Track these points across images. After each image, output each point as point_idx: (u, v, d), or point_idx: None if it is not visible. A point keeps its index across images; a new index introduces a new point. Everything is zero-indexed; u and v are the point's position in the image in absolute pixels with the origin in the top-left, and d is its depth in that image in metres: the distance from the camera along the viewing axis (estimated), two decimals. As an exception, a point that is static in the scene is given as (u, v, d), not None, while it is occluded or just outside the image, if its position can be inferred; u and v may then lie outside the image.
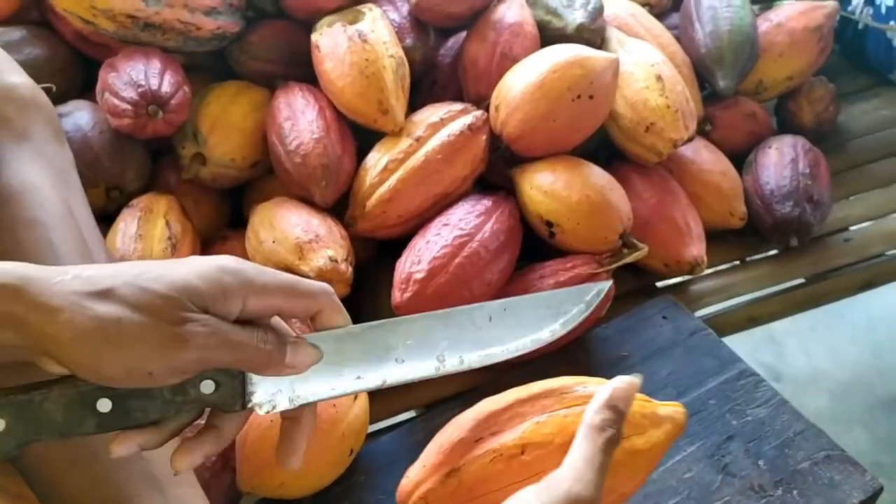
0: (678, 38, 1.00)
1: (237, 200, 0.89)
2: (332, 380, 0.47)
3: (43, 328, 0.39)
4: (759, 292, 0.91)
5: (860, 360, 1.57)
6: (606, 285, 0.57)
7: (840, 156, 1.08)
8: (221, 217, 0.86)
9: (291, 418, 0.48)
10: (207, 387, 0.44)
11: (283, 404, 0.46)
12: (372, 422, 0.72)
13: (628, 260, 0.77)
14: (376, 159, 0.77)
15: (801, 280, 0.92)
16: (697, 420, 0.73)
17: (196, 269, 0.43)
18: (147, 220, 0.75)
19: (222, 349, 0.42)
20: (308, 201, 0.77)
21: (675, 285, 0.90)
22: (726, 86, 0.95)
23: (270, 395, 0.46)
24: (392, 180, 0.76)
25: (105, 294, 0.40)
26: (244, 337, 0.43)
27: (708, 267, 0.90)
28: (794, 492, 0.67)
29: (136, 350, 0.40)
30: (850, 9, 1.18)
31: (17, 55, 0.78)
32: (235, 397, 0.45)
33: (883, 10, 1.13)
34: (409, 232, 0.77)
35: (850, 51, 1.24)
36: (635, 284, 0.89)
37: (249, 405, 0.45)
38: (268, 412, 0.46)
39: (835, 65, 1.25)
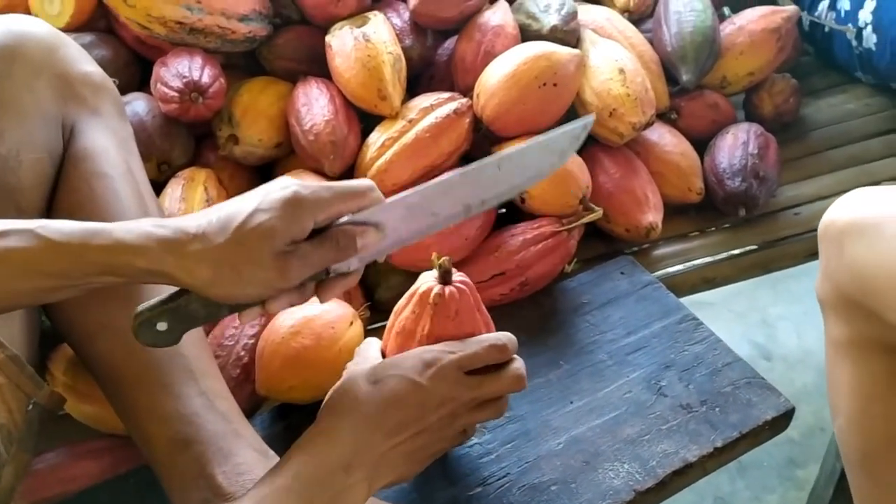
0: (650, 40, 1.15)
1: (265, 176, 1.05)
2: (386, 242, 0.62)
3: (187, 280, 0.56)
4: (714, 257, 1.04)
5: (848, 343, 1.66)
6: (591, 118, 0.68)
7: (801, 143, 1.21)
8: (251, 189, 1.03)
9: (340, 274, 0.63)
10: None
11: (354, 265, 0.62)
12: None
13: (585, 220, 0.91)
14: (376, 137, 0.94)
15: (754, 247, 1.05)
16: (641, 353, 0.86)
17: (273, 211, 0.56)
18: (190, 187, 0.92)
19: (312, 267, 0.59)
20: (320, 172, 0.94)
21: (638, 251, 1.03)
22: (689, 79, 1.09)
23: (346, 264, 0.61)
24: (388, 154, 0.92)
25: (223, 253, 0.56)
26: (324, 251, 0.59)
27: (669, 236, 1.05)
28: (717, 409, 0.80)
29: (254, 287, 0.57)
30: (817, 13, 1.31)
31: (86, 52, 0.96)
32: (320, 272, 0.60)
33: (842, 13, 1.26)
34: (403, 198, 0.93)
35: (820, 51, 1.36)
36: (603, 250, 1.02)
37: (332, 275, 0.61)
38: (343, 273, 0.62)
39: (808, 64, 1.38)
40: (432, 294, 0.67)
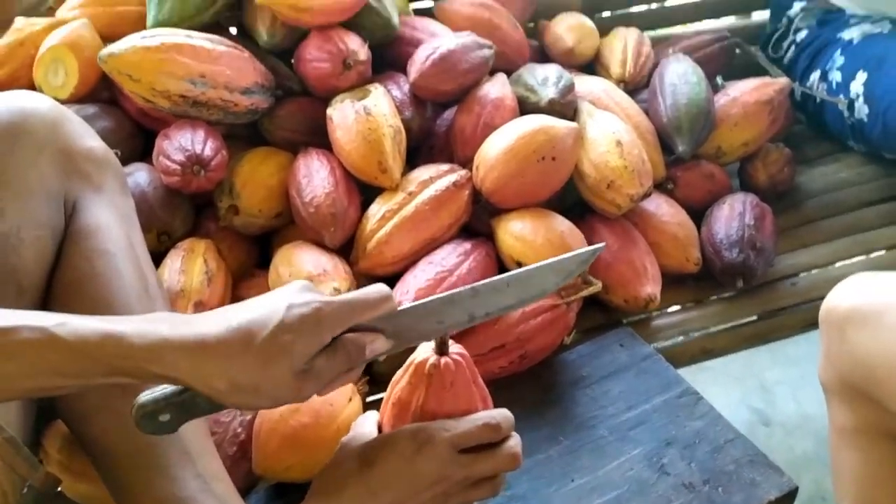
0: (646, 110, 1.16)
1: (265, 246, 1.05)
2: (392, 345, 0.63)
3: (202, 389, 0.57)
4: (713, 328, 1.04)
5: (847, 407, 1.65)
6: (601, 246, 0.71)
7: (796, 212, 1.22)
8: (251, 259, 1.03)
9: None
10: None
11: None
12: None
13: (584, 294, 0.91)
14: (376, 210, 0.94)
15: (752, 318, 1.06)
16: (643, 429, 0.86)
17: (297, 331, 0.56)
18: (189, 259, 0.92)
19: (325, 382, 0.59)
20: (320, 244, 0.94)
21: (637, 321, 1.03)
22: (684, 150, 1.11)
23: None
24: (388, 227, 0.92)
25: (243, 369, 0.56)
26: (337, 363, 0.59)
27: (668, 307, 1.05)
28: (720, 489, 0.79)
29: (268, 401, 0.59)
30: (808, 84, 1.34)
31: (91, 126, 0.97)
32: None
33: (834, 85, 1.28)
34: (403, 270, 0.93)
35: (813, 121, 1.39)
36: (602, 320, 1.02)
37: None
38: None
39: (801, 133, 1.41)
40: (428, 365, 0.68)
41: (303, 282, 0.62)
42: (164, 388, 0.59)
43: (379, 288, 0.62)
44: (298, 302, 0.58)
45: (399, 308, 0.63)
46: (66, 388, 0.57)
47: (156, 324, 0.57)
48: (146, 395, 0.59)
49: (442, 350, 0.68)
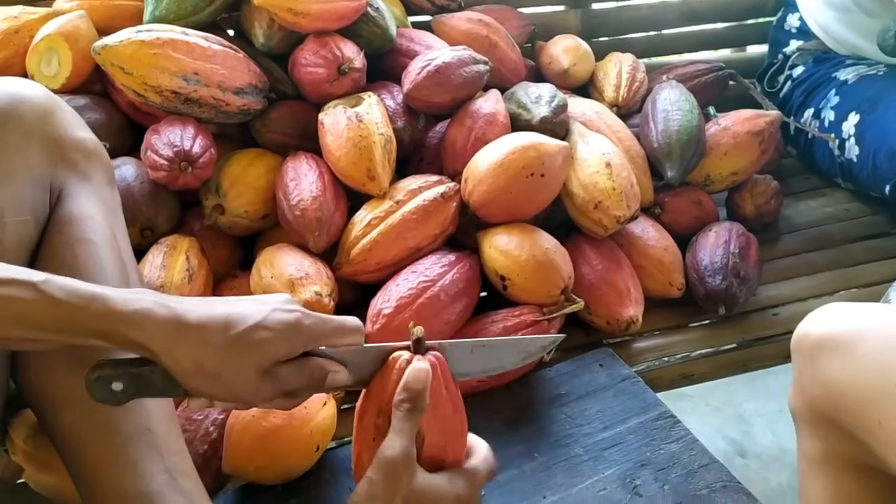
0: (637, 135, 1.17)
1: (248, 247, 1.05)
2: (350, 380, 0.63)
3: (167, 364, 0.57)
4: (693, 353, 1.04)
5: (824, 443, 1.65)
6: (560, 337, 0.73)
7: (781, 244, 1.23)
8: (234, 259, 1.03)
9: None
10: None
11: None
12: (341, 437, 0.86)
13: (566, 311, 0.91)
14: (362, 216, 0.94)
15: (733, 346, 1.06)
16: (617, 450, 0.85)
17: (274, 331, 0.58)
18: (171, 255, 0.91)
19: (282, 391, 0.59)
20: (304, 247, 0.94)
21: (618, 343, 1.03)
22: (673, 176, 1.11)
23: None
24: (374, 234, 0.92)
25: (212, 354, 0.57)
26: (299, 379, 0.60)
27: (650, 330, 1.05)
28: (691, 513, 0.79)
29: (225, 392, 0.59)
30: (802, 120, 1.35)
31: (80, 117, 0.96)
32: None
33: (826, 123, 1.29)
34: (386, 278, 0.93)
35: (803, 156, 1.40)
36: (584, 340, 1.02)
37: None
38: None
39: (791, 166, 1.42)
40: (400, 360, 0.67)
41: (288, 296, 0.63)
42: (125, 357, 0.59)
43: (354, 319, 0.64)
44: (282, 308, 0.60)
45: (365, 346, 0.64)
46: (42, 343, 0.58)
47: (141, 296, 0.58)
48: (105, 360, 0.59)
49: (417, 348, 0.67)
